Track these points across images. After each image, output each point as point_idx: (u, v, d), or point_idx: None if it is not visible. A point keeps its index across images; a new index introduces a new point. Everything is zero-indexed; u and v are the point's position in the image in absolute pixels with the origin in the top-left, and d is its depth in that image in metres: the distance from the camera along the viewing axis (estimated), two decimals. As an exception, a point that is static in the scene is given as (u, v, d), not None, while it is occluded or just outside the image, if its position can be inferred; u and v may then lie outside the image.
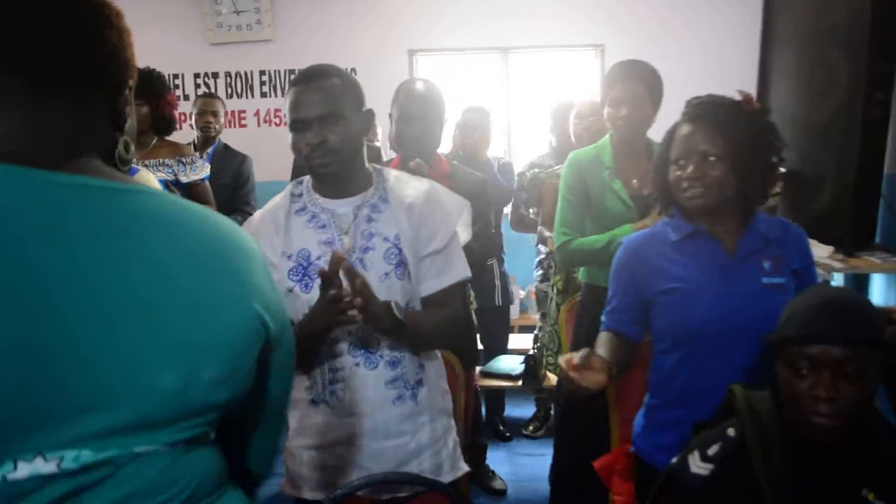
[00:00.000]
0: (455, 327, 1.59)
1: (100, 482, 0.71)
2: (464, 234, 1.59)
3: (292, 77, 1.51)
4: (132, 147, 0.86)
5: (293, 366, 0.93)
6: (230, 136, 4.09)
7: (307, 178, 1.57)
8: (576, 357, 1.45)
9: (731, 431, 1.34)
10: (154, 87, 2.83)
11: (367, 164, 1.57)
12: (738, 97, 1.59)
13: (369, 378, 1.49)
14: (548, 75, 4.76)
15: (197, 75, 4.89)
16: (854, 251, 2.50)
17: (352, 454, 1.51)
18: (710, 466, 1.32)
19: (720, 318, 1.53)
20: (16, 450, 0.68)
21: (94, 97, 0.80)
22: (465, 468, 1.64)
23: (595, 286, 2.28)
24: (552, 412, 3.63)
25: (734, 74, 4.39)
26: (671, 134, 1.62)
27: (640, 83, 2.18)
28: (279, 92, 4.87)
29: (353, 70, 4.78)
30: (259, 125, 4.91)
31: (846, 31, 2.42)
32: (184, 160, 2.84)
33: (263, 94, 4.87)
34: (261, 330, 0.81)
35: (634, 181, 2.21)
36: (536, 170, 3.26)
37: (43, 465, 0.68)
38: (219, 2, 4.81)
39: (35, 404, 0.67)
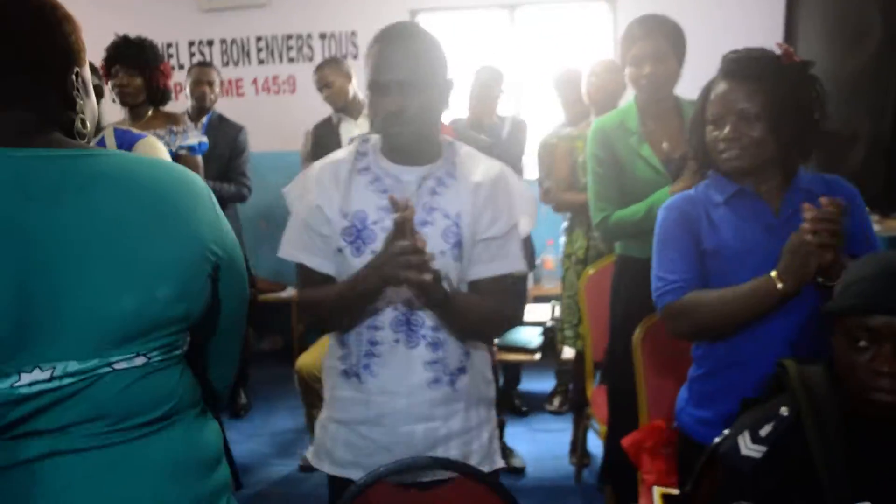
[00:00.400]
0: (498, 321, 1.52)
1: (84, 389, 0.89)
2: (525, 227, 1.51)
3: (376, 35, 1.41)
4: (88, 124, 1.01)
5: (245, 286, 1.11)
6: (227, 106, 3.97)
7: (375, 137, 1.49)
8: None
9: (784, 410, 1.25)
10: (147, 58, 2.76)
11: (442, 136, 1.49)
12: (777, 50, 1.49)
13: (408, 357, 1.42)
14: (557, 32, 4.58)
15: (191, 43, 4.72)
16: (890, 211, 2.39)
17: (378, 434, 1.45)
18: (762, 448, 1.23)
19: None
20: (18, 364, 0.87)
21: (44, 85, 0.95)
22: (499, 463, 1.56)
23: (629, 257, 2.19)
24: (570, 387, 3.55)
25: (758, 28, 4.24)
26: (707, 91, 1.55)
27: (663, 38, 2.06)
28: (276, 59, 4.72)
29: (354, 33, 4.62)
30: (257, 94, 4.75)
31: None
32: (174, 129, 2.75)
33: (261, 62, 4.71)
34: (208, 256, 0.98)
35: (664, 144, 2.09)
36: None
37: (39, 374, 0.88)
38: (210, -34, 4.63)
39: (31, 330, 0.86)
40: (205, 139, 2.84)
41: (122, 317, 0.89)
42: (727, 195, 1.54)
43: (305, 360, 2.89)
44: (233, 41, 4.74)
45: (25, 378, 0.87)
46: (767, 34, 4.09)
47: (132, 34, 2.78)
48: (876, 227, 2.35)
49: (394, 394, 1.43)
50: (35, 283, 0.86)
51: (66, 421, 0.89)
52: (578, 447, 2.94)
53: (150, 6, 4.56)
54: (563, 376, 3.67)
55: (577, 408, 3.11)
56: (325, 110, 3.82)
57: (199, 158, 2.74)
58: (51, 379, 0.88)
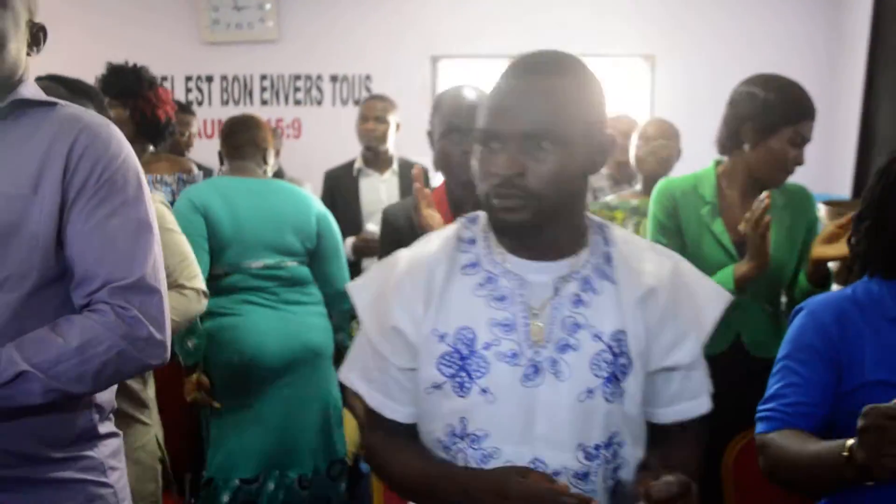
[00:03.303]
0: None
1: (274, 274, 2.26)
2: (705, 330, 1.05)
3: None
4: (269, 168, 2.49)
5: (314, 237, 2.39)
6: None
7: (485, 216, 1.03)
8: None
9: None
10: (128, 83, 2.29)
11: (586, 216, 1.04)
12: None
13: None
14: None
15: (188, 78, 4.34)
16: None
17: None
18: None
19: None
20: (249, 259, 2.24)
21: (262, 151, 2.41)
22: None
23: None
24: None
25: (829, 93, 3.83)
26: None
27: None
28: (282, 100, 4.33)
29: (368, 77, 4.23)
30: (258, 136, 4.36)
31: None
32: (184, 177, 2.44)
33: (264, 102, 4.32)
34: (314, 222, 2.33)
35: (741, 226, 1.69)
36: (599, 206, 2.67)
37: (256, 263, 2.24)
38: (216, -4, 4.28)
39: (256, 247, 2.24)
40: None
41: (287, 244, 2.23)
42: None
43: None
44: (234, 78, 4.35)
45: (254, 263, 2.21)
46: (841, 103, 3.70)
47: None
48: None
49: None
50: (261, 227, 2.22)
51: (266, 284, 2.23)
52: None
53: (146, 36, 4.19)
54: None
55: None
56: (333, 159, 3.35)
57: None
58: (262, 266, 2.22)
